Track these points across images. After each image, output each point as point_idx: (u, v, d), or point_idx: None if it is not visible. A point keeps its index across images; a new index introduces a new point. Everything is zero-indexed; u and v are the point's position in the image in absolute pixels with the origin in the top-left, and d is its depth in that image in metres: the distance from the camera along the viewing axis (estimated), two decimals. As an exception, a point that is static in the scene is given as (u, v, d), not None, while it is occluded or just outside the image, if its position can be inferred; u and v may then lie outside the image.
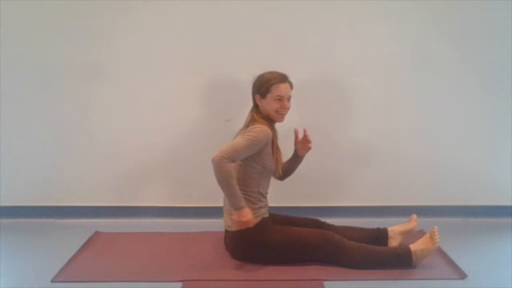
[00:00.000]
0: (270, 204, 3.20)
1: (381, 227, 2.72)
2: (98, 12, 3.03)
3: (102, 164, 3.20)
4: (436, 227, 2.50)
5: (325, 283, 2.34)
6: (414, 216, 2.76)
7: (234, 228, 2.47)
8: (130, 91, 3.13)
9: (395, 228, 2.69)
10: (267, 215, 2.59)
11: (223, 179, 2.35)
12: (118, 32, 3.06)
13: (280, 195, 3.22)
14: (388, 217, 3.14)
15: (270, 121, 2.57)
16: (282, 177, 2.76)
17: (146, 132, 3.17)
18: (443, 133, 3.17)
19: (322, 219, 2.78)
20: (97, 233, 2.97)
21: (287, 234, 2.51)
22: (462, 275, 2.41)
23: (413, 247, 2.48)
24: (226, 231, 2.61)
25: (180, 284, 2.34)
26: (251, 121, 2.55)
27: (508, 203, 3.21)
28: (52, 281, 2.38)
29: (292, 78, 3.06)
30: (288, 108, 2.58)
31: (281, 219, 2.69)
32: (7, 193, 3.21)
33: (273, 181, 3.20)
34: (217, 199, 3.12)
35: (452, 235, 2.93)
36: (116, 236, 2.95)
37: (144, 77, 3.11)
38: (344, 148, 3.19)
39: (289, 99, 2.57)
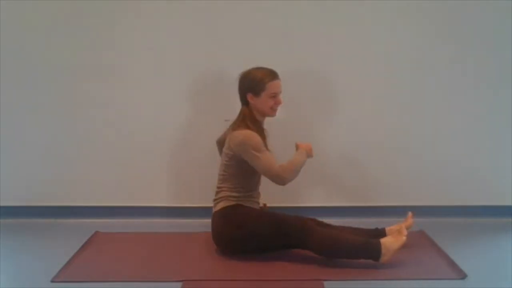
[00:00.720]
0: (270, 204, 3.22)
1: (380, 227, 2.72)
2: (97, 12, 3.03)
3: (102, 164, 3.20)
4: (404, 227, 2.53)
5: (325, 283, 2.34)
6: (410, 213, 2.76)
7: (218, 207, 2.57)
8: (131, 91, 3.13)
9: (393, 228, 2.69)
10: (254, 206, 2.64)
11: (295, 172, 2.56)
12: (120, 33, 3.06)
13: (280, 195, 3.24)
14: (388, 217, 3.14)
15: (258, 122, 2.61)
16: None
17: (146, 132, 3.17)
18: (443, 133, 3.17)
19: (322, 219, 2.78)
20: (97, 233, 2.97)
21: (266, 215, 2.58)
22: (462, 275, 2.41)
23: (382, 239, 2.48)
24: (213, 214, 2.64)
25: (180, 284, 2.34)
26: (241, 121, 2.58)
27: (508, 203, 3.21)
28: (52, 281, 2.38)
29: (291, 79, 3.08)
30: (280, 103, 2.62)
31: None
32: (7, 193, 3.21)
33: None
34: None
35: (452, 235, 2.94)
36: (116, 236, 2.95)
37: (144, 77, 3.11)
38: (344, 148, 3.19)
39: (280, 94, 2.61)
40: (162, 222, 3.14)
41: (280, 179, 2.52)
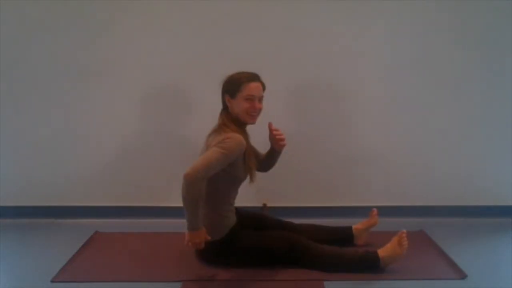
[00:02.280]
0: (270, 205, 3.23)
1: (346, 225, 2.72)
2: (96, 12, 3.03)
3: (102, 164, 3.20)
4: (404, 231, 2.45)
5: (325, 283, 2.34)
6: (375, 210, 2.75)
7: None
8: (131, 91, 3.13)
9: (359, 227, 2.70)
10: (234, 221, 2.51)
11: (192, 199, 2.21)
12: (117, 32, 3.05)
13: (280, 195, 3.24)
14: (389, 217, 3.14)
15: (240, 124, 2.44)
16: (263, 170, 2.70)
17: (146, 132, 3.17)
18: (443, 133, 3.17)
19: (321, 220, 2.79)
20: (97, 233, 2.97)
21: (253, 241, 2.47)
22: (462, 275, 2.41)
23: (381, 253, 2.43)
24: None
25: (179, 284, 2.34)
26: (221, 126, 2.41)
27: (508, 203, 3.21)
28: (52, 281, 2.38)
29: (291, 81, 3.09)
30: (259, 109, 2.43)
31: (248, 220, 2.65)
32: (7, 193, 3.21)
33: (273, 181, 3.21)
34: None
35: (452, 235, 2.94)
36: (116, 236, 2.95)
37: (143, 77, 3.11)
38: (344, 148, 3.19)
39: (260, 99, 2.43)
40: (162, 222, 3.14)
41: (188, 178, 2.18)
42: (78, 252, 2.70)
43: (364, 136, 3.17)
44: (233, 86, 2.41)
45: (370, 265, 2.42)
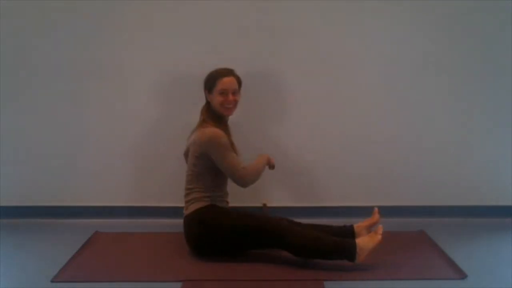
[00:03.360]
0: (270, 205, 3.23)
1: (348, 224, 2.72)
2: (96, 12, 3.03)
3: (102, 164, 3.20)
4: (381, 225, 2.50)
5: (325, 283, 2.34)
6: (377, 209, 2.76)
7: (190, 209, 2.58)
8: (131, 91, 3.13)
9: (361, 224, 2.70)
10: (220, 204, 2.63)
11: (257, 176, 2.63)
12: (120, 31, 3.05)
13: (279, 195, 3.24)
14: (389, 217, 3.14)
15: (220, 120, 2.65)
16: None
17: (146, 132, 3.17)
18: (443, 133, 3.17)
19: (321, 220, 2.79)
20: (97, 233, 2.97)
21: (237, 216, 2.56)
22: (462, 275, 2.41)
23: (359, 240, 2.46)
24: (185, 217, 2.64)
25: (180, 284, 2.34)
26: (202, 123, 2.64)
27: (508, 203, 3.21)
28: (52, 281, 2.38)
29: (291, 77, 3.09)
30: (233, 101, 2.64)
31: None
32: (7, 193, 3.21)
33: (273, 181, 3.22)
34: (217, 199, 3.13)
35: (452, 235, 2.94)
36: (116, 236, 2.95)
37: (144, 77, 3.11)
38: (344, 148, 3.19)
39: (234, 92, 2.63)
40: (162, 222, 3.14)
41: (243, 181, 2.58)
42: (78, 252, 2.70)
43: (364, 136, 3.17)
44: (210, 82, 2.64)
45: (347, 248, 2.43)
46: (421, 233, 2.95)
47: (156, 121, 3.16)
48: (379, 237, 2.44)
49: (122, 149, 3.19)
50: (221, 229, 2.53)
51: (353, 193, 3.22)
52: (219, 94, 2.60)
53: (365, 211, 3.14)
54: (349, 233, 2.68)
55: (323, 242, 2.46)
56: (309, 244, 2.46)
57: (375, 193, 3.22)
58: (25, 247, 2.82)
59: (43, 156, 3.19)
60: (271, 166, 2.80)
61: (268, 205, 3.23)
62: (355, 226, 2.71)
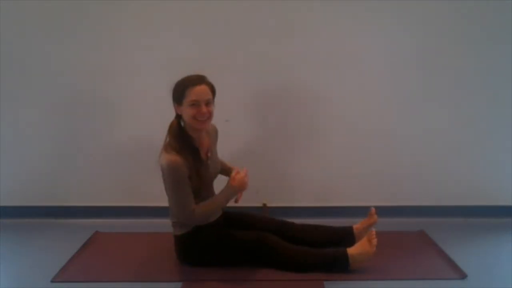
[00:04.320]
0: (270, 205, 3.23)
1: (347, 226, 2.71)
2: (97, 12, 3.03)
3: (102, 164, 3.20)
4: (373, 229, 2.45)
5: (325, 283, 2.34)
6: (373, 209, 2.74)
7: (176, 232, 2.48)
8: (130, 90, 3.13)
9: (359, 226, 2.69)
10: (213, 219, 2.50)
11: (207, 216, 2.40)
12: (121, 35, 3.05)
13: (279, 195, 3.24)
14: (389, 217, 3.14)
15: (188, 138, 2.36)
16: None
17: (146, 132, 3.17)
18: (443, 133, 3.17)
19: (321, 220, 2.78)
20: (97, 233, 2.97)
21: (222, 239, 2.45)
22: (462, 275, 2.41)
23: (350, 251, 2.42)
24: (173, 236, 2.55)
25: (179, 284, 2.34)
26: (166, 146, 2.34)
27: (508, 203, 3.21)
28: (52, 281, 2.39)
29: (291, 77, 3.08)
30: (207, 113, 2.31)
31: (238, 220, 2.66)
32: (7, 193, 3.21)
33: (273, 181, 3.21)
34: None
35: (452, 235, 2.94)
36: (116, 236, 2.95)
37: (144, 77, 3.10)
38: (345, 148, 3.18)
39: (207, 103, 2.31)
40: (162, 222, 3.13)
41: (185, 221, 2.38)
42: (78, 252, 2.71)
43: (363, 136, 3.17)
44: (178, 92, 2.31)
45: (340, 263, 2.41)
46: (421, 233, 2.95)
47: (156, 121, 3.16)
48: (373, 249, 2.41)
49: (122, 149, 3.19)
50: (206, 255, 2.47)
51: (353, 193, 3.22)
52: (190, 106, 2.27)
53: (365, 211, 3.15)
54: (348, 235, 2.66)
55: (315, 257, 2.44)
56: (300, 261, 2.43)
57: (375, 193, 3.22)
58: (25, 247, 2.82)
59: (43, 156, 3.19)
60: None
61: (268, 205, 3.23)
62: (354, 228, 2.69)
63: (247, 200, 3.16)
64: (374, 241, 2.41)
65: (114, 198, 3.23)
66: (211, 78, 3.03)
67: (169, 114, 3.14)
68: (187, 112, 2.30)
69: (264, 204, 3.22)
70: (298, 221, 2.79)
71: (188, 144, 2.36)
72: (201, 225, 2.44)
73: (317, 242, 2.56)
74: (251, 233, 2.49)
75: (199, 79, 2.32)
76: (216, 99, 3.13)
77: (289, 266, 2.43)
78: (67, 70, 3.09)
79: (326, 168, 3.21)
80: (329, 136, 3.17)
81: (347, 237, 2.66)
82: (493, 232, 3.01)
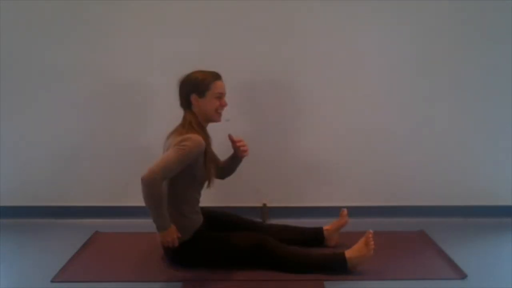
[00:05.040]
0: (270, 205, 3.23)
1: (317, 226, 2.72)
2: (97, 13, 3.03)
3: (102, 164, 3.20)
4: (371, 231, 2.43)
5: (325, 283, 2.34)
6: (345, 211, 2.74)
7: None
8: (130, 90, 3.13)
9: (329, 227, 2.69)
10: (200, 222, 2.49)
11: (153, 201, 2.22)
12: (117, 33, 3.05)
13: (279, 195, 3.24)
14: (389, 218, 3.15)
15: (202, 126, 2.43)
16: (220, 178, 2.68)
17: (145, 132, 3.17)
18: (443, 133, 3.17)
19: (321, 220, 2.79)
20: (97, 233, 2.97)
21: (220, 243, 2.45)
22: (462, 275, 2.41)
23: (348, 254, 2.41)
24: None
25: (180, 284, 2.34)
26: (184, 126, 2.38)
27: (508, 203, 3.21)
28: (52, 281, 2.38)
29: (292, 77, 3.09)
30: (226, 106, 2.47)
31: (217, 220, 2.65)
32: (7, 193, 3.21)
33: (273, 181, 3.21)
34: (219, 199, 3.14)
35: (452, 235, 2.94)
36: (116, 236, 2.95)
37: (142, 77, 3.10)
38: (344, 149, 3.18)
39: (225, 96, 2.48)
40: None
41: (145, 181, 2.21)
42: (78, 252, 2.70)
43: (363, 136, 3.17)
44: (202, 85, 2.39)
45: (338, 266, 2.41)
46: (421, 233, 2.95)
47: (156, 121, 3.16)
48: (371, 252, 2.39)
49: (122, 149, 3.19)
50: (199, 260, 2.46)
51: (353, 193, 3.22)
52: (215, 98, 2.40)
53: (365, 211, 3.16)
54: (318, 236, 2.67)
55: (313, 260, 2.43)
56: (299, 264, 2.43)
57: (375, 193, 3.22)
58: (25, 247, 2.82)
59: (43, 156, 3.19)
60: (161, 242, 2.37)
61: (268, 205, 3.23)
62: (324, 229, 2.70)
63: (247, 200, 3.18)
64: (371, 244, 2.40)
65: (114, 198, 3.23)
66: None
67: (169, 114, 3.14)
68: (210, 104, 2.41)
69: (264, 204, 3.22)
70: (298, 221, 2.80)
71: (206, 132, 2.45)
72: (201, 230, 2.45)
73: (284, 242, 2.54)
74: (250, 237, 2.47)
75: (219, 75, 2.45)
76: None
77: (289, 269, 2.43)
78: (67, 70, 3.09)
79: (326, 168, 3.21)
80: (329, 136, 3.17)
81: (315, 237, 2.66)
82: (493, 232, 3.01)
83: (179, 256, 2.47)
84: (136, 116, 3.16)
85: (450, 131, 3.17)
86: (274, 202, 3.23)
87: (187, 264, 2.48)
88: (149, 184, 2.20)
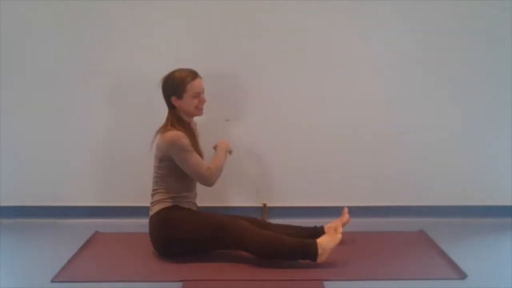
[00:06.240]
0: (270, 205, 3.23)
1: (318, 225, 2.73)
2: (97, 12, 3.03)
3: (102, 164, 3.20)
4: (339, 221, 2.60)
5: (325, 283, 2.34)
6: (346, 209, 2.77)
7: (154, 210, 2.59)
8: (130, 91, 3.13)
9: (331, 225, 2.69)
10: (185, 206, 2.62)
11: (221, 171, 2.61)
12: (118, 32, 3.06)
13: (280, 195, 3.24)
14: (389, 218, 3.15)
15: (186, 123, 2.62)
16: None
17: (146, 132, 3.16)
18: (443, 133, 3.17)
19: (321, 220, 2.78)
20: (97, 233, 2.97)
21: (198, 216, 2.57)
22: (462, 275, 2.41)
23: (318, 239, 2.47)
24: (149, 217, 2.63)
25: (180, 284, 2.34)
26: (167, 125, 2.58)
27: (508, 203, 3.21)
28: (52, 281, 2.38)
29: (292, 77, 3.09)
30: (205, 101, 2.63)
31: None
32: (7, 193, 3.21)
33: (273, 181, 3.21)
34: (219, 199, 3.14)
35: (452, 235, 2.94)
36: (116, 236, 2.95)
37: (142, 77, 3.10)
38: (344, 149, 3.18)
39: (203, 92, 2.62)
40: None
41: (207, 181, 2.57)
42: (78, 252, 2.70)
43: (364, 136, 3.17)
44: (179, 87, 2.56)
45: (308, 249, 2.44)
46: (421, 233, 2.95)
47: (158, 121, 3.16)
48: (339, 236, 2.46)
49: (122, 149, 3.19)
50: (180, 231, 2.51)
51: (353, 193, 3.22)
52: (192, 97, 2.57)
53: (365, 212, 3.15)
54: (320, 234, 2.65)
55: (283, 243, 2.47)
56: (268, 245, 2.46)
57: (375, 193, 3.22)
58: (25, 247, 2.82)
59: (43, 156, 3.19)
60: (230, 152, 2.76)
61: (268, 205, 3.23)
62: (325, 227, 2.71)
63: (247, 200, 3.18)
64: (340, 229, 2.49)
65: (114, 198, 3.22)
66: (211, 78, 3.04)
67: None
68: (189, 103, 2.58)
69: (264, 204, 3.22)
70: (298, 221, 2.80)
71: (187, 127, 2.62)
72: (179, 202, 2.59)
73: None
74: (226, 215, 2.61)
75: (195, 73, 2.60)
76: (216, 99, 3.15)
77: (259, 251, 2.48)
78: (67, 71, 3.10)
79: (326, 168, 3.21)
80: (329, 137, 3.17)
81: (317, 235, 2.64)
82: (493, 232, 3.01)
83: (160, 228, 2.55)
84: (137, 116, 3.16)
85: (450, 131, 3.17)
86: (274, 202, 3.22)
87: (167, 238, 2.54)
88: (214, 180, 2.58)
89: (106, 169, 3.21)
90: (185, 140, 2.51)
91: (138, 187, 3.23)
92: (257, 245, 2.47)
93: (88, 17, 3.04)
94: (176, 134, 2.52)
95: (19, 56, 3.08)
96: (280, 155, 3.19)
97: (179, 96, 2.57)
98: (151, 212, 2.62)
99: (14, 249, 2.80)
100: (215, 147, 2.72)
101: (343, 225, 2.69)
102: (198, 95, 2.58)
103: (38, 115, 3.15)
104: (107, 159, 3.20)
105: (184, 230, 2.52)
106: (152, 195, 2.64)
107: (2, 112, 3.14)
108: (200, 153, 2.62)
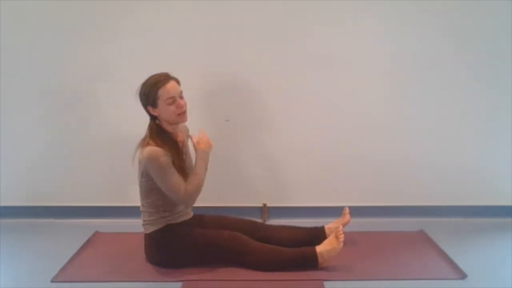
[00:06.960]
0: (270, 205, 3.22)
1: (319, 225, 2.72)
2: (99, 12, 3.03)
3: (102, 164, 3.20)
4: (341, 226, 2.50)
5: (325, 283, 2.34)
6: (347, 209, 2.76)
7: (148, 230, 2.52)
8: (130, 91, 3.12)
9: (331, 226, 2.69)
10: (178, 220, 2.53)
11: (199, 187, 2.41)
12: (119, 33, 3.05)
13: (280, 195, 3.24)
14: (388, 217, 3.15)
15: (168, 134, 2.43)
16: None
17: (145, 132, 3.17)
18: (443, 133, 3.17)
19: (321, 220, 2.78)
20: (97, 233, 2.97)
21: (194, 237, 2.48)
22: (462, 275, 2.41)
23: (319, 248, 2.44)
24: (144, 235, 2.58)
25: (180, 284, 2.34)
26: (146, 139, 2.40)
27: (508, 203, 3.21)
28: (52, 281, 2.38)
29: (292, 78, 3.08)
30: (185, 104, 2.41)
31: (211, 221, 2.66)
32: (7, 193, 3.21)
33: (273, 181, 3.21)
34: (219, 199, 3.14)
35: (452, 235, 2.94)
36: (116, 236, 2.96)
37: (143, 77, 3.10)
38: (344, 149, 3.18)
39: (181, 95, 2.40)
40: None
41: (185, 203, 2.45)
42: (78, 252, 2.71)
43: (364, 136, 3.17)
44: (150, 95, 2.37)
45: (309, 260, 2.43)
46: (421, 233, 2.95)
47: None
48: (341, 245, 2.43)
49: (122, 149, 3.18)
50: (176, 253, 2.47)
51: (353, 193, 3.22)
52: (167, 104, 2.35)
53: (365, 211, 3.15)
54: (320, 234, 2.67)
55: (282, 256, 2.46)
56: (268, 261, 2.45)
57: (375, 193, 3.22)
58: (25, 247, 2.82)
59: (43, 156, 3.19)
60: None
61: (268, 205, 3.23)
62: (326, 227, 2.70)
63: (247, 200, 3.18)
64: (341, 237, 2.43)
65: (114, 198, 3.23)
66: (210, 79, 3.05)
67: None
68: (166, 110, 2.37)
69: (264, 204, 3.22)
70: (298, 221, 2.80)
71: (168, 139, 2.43)
72: (173, 223, 2.49)
73: (287, 241, 2.56)
74: (223, 232, 2.50)
75: (166, 77, 2.39)
76: (216, 100, 3.15)
77: (261, 265, 2.45)
78: (66, 71, 3.09)
79: (326, 168, 3.21)
80: (330, 137, 3.17)
81: (318, 236, 2.66)
82: (493, 232, 3.01)
83: (155, 249, 2.50)
84: (137, 116, 3.15)
85: (449, 131, 3.17)
86: (274, 202, 3.22)
87: (163, 258, 2.50)
88: (193, 195, 2.40)
89: (106, 169, 3.21)
90: (163, 158, 2.32)
91: (138, 188, 3.23)
92: (257, 263, 2.45)
93: (88, 17, 3.04)
94: (153, 151, 2.32)
95: (19, 55, 3.08)
96: (280, 155, 3.19)
97: (153, 105, 2.37)
98: (144, 231, 2.55)
99: (14, 249, 2.80)
100: (195, 148, 2.50)
101: (344, 225, 2.68)
102: (174, 100, 2.35)
103: (38, 115, 3.15)
104: (108, 159, 3.20)
105: (180, 253, 2.47)
106: (142, 212, 2.55)
107: (2, 112, 3.14)
108: (183, 167, 2.45)
